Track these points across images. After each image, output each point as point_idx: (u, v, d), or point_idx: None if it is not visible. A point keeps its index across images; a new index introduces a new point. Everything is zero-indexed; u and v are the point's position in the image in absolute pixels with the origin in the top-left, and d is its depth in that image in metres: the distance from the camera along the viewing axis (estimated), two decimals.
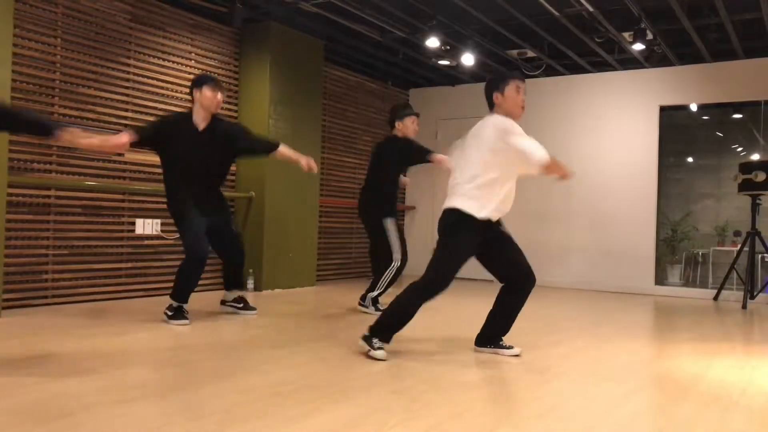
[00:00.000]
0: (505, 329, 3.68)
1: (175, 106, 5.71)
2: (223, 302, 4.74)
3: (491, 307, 3.70)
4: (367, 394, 2.70)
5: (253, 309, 4.73)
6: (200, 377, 2.85)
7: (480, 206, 3.42)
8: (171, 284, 4.32)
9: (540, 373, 3.27)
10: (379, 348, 3.39)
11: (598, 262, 7.52)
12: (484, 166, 3.43)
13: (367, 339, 3.42)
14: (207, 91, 4.22)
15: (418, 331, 4.37)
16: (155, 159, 5.50)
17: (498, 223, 3.59)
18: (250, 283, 6.12)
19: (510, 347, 3.64)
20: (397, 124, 4.99)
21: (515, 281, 3.61)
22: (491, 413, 2.51)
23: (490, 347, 3.66)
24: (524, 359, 3.57)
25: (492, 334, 3.67)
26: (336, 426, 2.27)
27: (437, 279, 3.42)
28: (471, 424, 2.37)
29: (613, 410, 2.68)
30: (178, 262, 4.46)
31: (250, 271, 6.15)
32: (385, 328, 3.45)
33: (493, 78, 3.68)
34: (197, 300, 5.52)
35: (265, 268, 6.20)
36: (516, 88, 3.55)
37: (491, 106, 3.64)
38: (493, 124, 3.45)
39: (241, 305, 4.72)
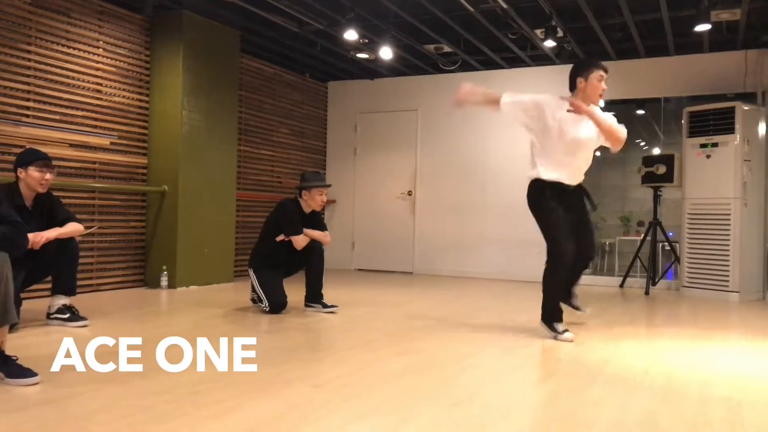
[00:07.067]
0: (564, 299, 4.23)
1: (82, 96, 5.44)
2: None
3: None
4: (287, 389, 2.68)
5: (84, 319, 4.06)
6: (110, 379, 2.73)
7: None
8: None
9: (457, 362, 3.34)
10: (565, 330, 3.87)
11: (512, 253, 7.73)
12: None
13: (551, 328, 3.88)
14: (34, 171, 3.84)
15: (338, 324, 4.37)
16: (80, 155, 5.24)
17: (577, 196, 4.06)
18: (164, 280, 5.93)
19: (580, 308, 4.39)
20: (303, 193, 4.78)
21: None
22: (411, 403, 2.54)
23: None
24: (442, 349, 3.63)
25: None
26: (257, 422, 2.24)
27: (552, 247, 3.90)
28: (391, 414, 2.39)
29: (527, 395, 2.78)
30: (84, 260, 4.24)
31: (164, 267, 5.96)
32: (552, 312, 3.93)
33: (581, 63, 4.06)
34: (97, 299, 5.31)
35: (180, 264, 6.02)
36: (600, 76, 3.91)
37: (572, 88, 4.00)
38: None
39: (67, 315, 4.02)
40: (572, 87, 4.00)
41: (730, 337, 4.33)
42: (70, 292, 4.05)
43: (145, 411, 2.33)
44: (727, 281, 6.24)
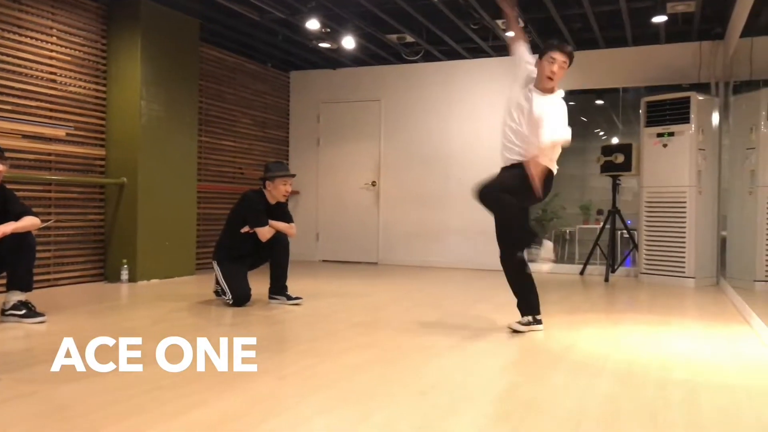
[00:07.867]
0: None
1: (34, 85, 5.28)
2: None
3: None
4: (253, 382, 2.66)
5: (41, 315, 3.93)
6: (70, 374, 2.66)
7: None
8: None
9: (421, 351, 3.36)
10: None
11: (475, 242, 7.79)
12: None
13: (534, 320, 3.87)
14: None
15: (303, 316, 4.35)
16: (34, 146, 5.08)
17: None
18: (125, 274, 5.82)
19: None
20: (267, 184, 4.77)
21: None
22: (377, 393, 2.55)
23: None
24: (406, 339, 3.65)
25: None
26: (222, 417, 2.21)
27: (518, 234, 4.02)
28: (357, 405, 2.39)
29: (493, 382, 2.81)
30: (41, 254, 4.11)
31: (124, 261, 5.85)
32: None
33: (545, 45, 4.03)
34: (55, 295, 5.19)
35: (140, 257, 5.91)
36: (550, 59, 3.90)
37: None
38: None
39: (23, 312, 3.91)
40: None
41: (686, 322, 4.45)
42: (27, 287, 3.94)
43: (105, 408, 2.28)
44: (683, 267, 6.40)
